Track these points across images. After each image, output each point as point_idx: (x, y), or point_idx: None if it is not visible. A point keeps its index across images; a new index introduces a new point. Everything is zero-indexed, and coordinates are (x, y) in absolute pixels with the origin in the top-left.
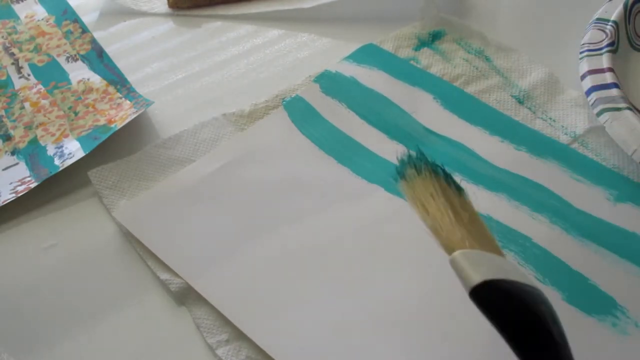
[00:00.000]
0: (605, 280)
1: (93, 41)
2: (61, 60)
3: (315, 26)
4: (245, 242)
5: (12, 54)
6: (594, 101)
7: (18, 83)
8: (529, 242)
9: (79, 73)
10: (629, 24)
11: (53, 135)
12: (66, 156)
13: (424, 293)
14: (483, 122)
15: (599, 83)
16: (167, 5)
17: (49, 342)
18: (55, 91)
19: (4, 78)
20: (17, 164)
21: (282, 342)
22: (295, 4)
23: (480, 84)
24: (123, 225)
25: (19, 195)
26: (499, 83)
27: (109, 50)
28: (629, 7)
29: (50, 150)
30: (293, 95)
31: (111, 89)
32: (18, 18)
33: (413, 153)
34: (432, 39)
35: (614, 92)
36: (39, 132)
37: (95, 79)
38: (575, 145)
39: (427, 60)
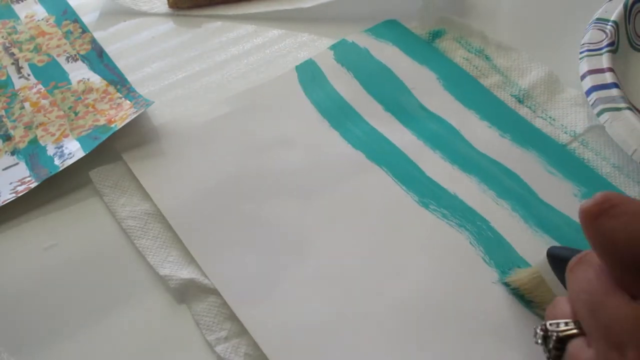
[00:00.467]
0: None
1: (93, 41)
2: (61, 60)
3: (315, 26)
4: (236, 201)
5: (12, 54)
6: (594, 101)
7: (18, 83)
8: (486, 225)
9: (79, 73)
10: (629, 24)
11: (53, 135)
12: (66, 156)
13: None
14: (477, 106)
15: (599, 83)
16: (167, 5)
17: (49, 342)
18: (55, 91)
19: (4, 78)
20: (17, 164)
21: (267, 324)
22: (295, 4)
23: (481, 82)
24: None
25: (19, 195)
26: (499, 82)
27: (109, 50)
28: (629, 7)
29: (50, 150)
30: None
31: (111, 89)
32: (18, 18)
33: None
34: (432, 38)
35: (614, 92)
36: (39, 132)
37: (95, 79)
38: (575, 144)
39: None
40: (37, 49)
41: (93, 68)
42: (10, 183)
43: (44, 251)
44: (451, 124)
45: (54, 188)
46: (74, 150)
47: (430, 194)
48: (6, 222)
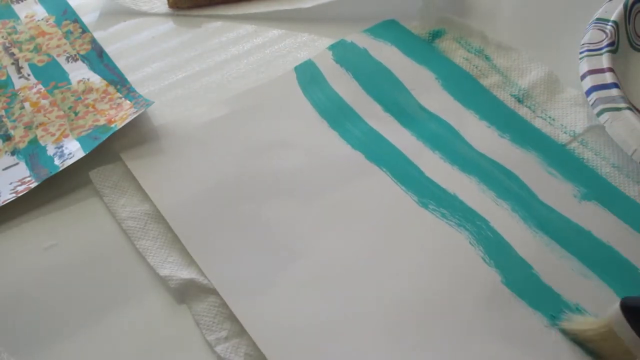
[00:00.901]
0: (547, 272)
1: (93, 41)
2: (61, 60)
3: (315, 26)
4: (235, 201)
5: (12, 54)
6: (594, 101)
7: (18, 83)
8: (486, 225)
9: (79, 73)
10: (629, 24)
11: (53, 135)
12: (66, 156)
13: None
14: (476, 106)
15: (599, 83)
16: (167, 5)
17: (49, 342)
18: (55, 91)
19: (4, 78)
20: (17, 164)
21: (263, 320)
22: (295, 4)
23: (480, 82)
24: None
25: (19, 195)
26: (499, 82)
27: (109, 50)
28: (629, 7)
29: (50, 150)
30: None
31: (111, 89)
32: (18, 18)
33: None
34: (432, 38)
35: (614, 92)
36: (39, 132)
37: (95, 79)
38: (574, 144)
39: None
40: (37, 49)
41: (93, 68)
42: (10, 183)
43: (44, 251)
44: (450, 124)
45: (54, 188)
46: (74, 150)
47: (429, 194)
48: (6, 222)
